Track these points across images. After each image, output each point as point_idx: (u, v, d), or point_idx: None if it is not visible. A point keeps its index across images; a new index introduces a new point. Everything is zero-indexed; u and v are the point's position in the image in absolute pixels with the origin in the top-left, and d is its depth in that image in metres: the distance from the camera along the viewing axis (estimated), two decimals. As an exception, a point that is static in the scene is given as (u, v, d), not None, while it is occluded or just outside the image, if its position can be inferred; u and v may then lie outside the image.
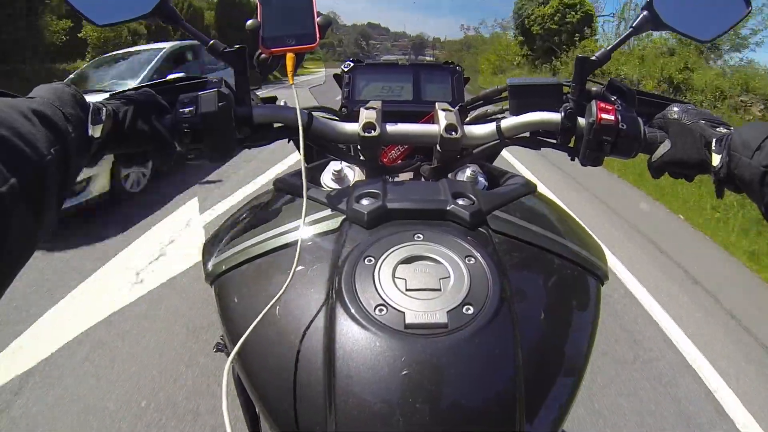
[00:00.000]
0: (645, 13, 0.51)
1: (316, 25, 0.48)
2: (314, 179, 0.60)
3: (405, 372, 0.31)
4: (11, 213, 0.28)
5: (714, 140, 0.43)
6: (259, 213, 0.50)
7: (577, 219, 0.54)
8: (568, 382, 0.37)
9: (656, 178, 0.51)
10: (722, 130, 0.45)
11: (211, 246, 0.50)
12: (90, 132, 0.38)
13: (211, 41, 0.49)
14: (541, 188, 0.58)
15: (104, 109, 0.40)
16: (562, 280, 0.42)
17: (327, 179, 0.59)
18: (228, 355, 0.40)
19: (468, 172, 0.60)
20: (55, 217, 0.34)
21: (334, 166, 0.59)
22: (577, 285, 0.43)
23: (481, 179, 0.60)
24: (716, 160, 0.42)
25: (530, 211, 0.49)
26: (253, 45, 0.49)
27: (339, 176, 0.59)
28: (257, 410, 0.37)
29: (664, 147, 0.48)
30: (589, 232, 0.53)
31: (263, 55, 0.50)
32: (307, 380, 0.34)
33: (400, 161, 0.70)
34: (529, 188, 0.52)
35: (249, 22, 0.48)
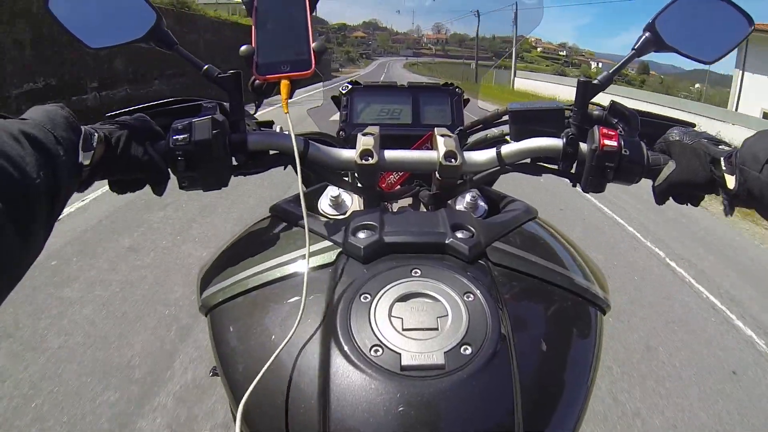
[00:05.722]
0: (647, 34, 0.50)
1: (312, 51, 0.47)
2: (311, 205, 0.58)
3: (400, 414, 0.30)
4: None
5: (723, 158, 0.41)
6: (257, 242, 0.49)
7: (579, 246, 0.53)
8: (569, 419, 0.36)
9: (660, 204, 0.49)
10: (724, 148, 0.43)
11: (206, 275, 0.49)
12: (80, 159, 0.37)
13: (206, 66, 0.48)
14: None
15: (96, 134, 0.39)
16: (562, 312, 0.41)
17: (324, 205, 0.58)
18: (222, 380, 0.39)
19: (468, 197, 0.58)
20: (43, 241, 0.33)
21: (332, 191, 0.58)
22: (577, 317, 0.43)
23: (481, 203, 0.59)
24: (731, 182, 0.40)
25: (531, 239, 0.48)
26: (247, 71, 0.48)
27: (336, 202, 0.57)
28: None
29: (669, 168, 0.46)
30: (592, 259, 0.52)
31: (257, 82, 0.49)
32: (301, 422, 0.32)
33: (398, 186, 0.69)
34: (530, 214, 0.51)
35: (243, 48, 0.47)
